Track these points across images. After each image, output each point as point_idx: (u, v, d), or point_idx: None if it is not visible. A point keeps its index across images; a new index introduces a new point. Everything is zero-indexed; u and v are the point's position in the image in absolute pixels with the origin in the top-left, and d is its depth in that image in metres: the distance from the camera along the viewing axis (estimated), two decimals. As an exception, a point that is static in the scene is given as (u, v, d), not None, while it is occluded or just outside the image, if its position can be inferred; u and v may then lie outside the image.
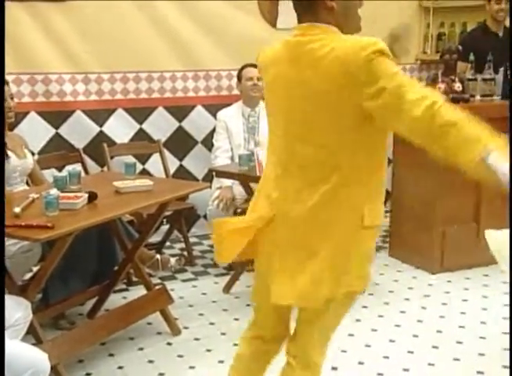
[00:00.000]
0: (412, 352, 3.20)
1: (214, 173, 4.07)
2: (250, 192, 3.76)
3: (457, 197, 4.13)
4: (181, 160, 4.79)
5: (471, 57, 4.30)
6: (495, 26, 4.82)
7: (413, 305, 3.74)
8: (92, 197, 2.94)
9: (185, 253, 4.43)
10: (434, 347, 3.25)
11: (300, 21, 1.94)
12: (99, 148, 4.37)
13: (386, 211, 5.15)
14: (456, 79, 4.14)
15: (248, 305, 3.73)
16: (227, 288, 3.91)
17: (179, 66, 4.66)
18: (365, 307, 3.70)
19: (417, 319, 3.55)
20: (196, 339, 3.35)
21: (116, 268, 3.48)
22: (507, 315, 3.57)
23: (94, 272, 3.45)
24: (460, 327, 3.46)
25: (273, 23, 4.84)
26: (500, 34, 4.83)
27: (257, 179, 3.72)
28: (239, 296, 3.86)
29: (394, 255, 4.46)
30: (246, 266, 3.90)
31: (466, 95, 4.15)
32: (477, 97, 4.23)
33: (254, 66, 4.29)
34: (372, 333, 3.41)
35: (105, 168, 4.41)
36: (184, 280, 4.12)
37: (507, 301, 3.76)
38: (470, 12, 5.31)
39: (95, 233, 3.28)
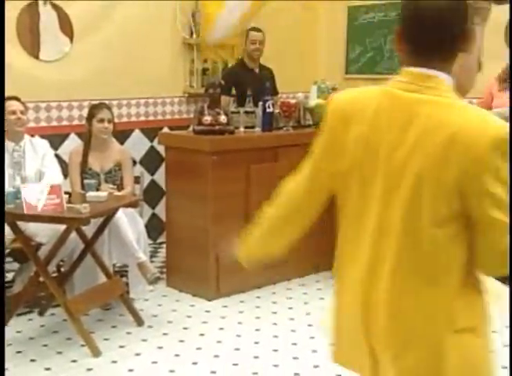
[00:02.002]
0: (192, 380, 3.26)
1: (-25, 213, 3.78)
2: (17, 231, 3.56)
3: (229, 224, 4.31)
4: None
5: (233, 91, 4.56)
6: (251, 63, 5.19)
7: (192, 333, 3.81)
8: None
9: None
10: (212, 372, 3.33)
11: (415, 63, 1.54)
12: None
13: (161, 243, 5.23)
14: (221, 112, 4.36)
15: None
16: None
17: None
18: (144, 340, 3.68)
19: (196, 346, 3.62)
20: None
21: None
22: (278, 334, 3.80)
23: None
24: (236, 349, 3.60)
25: (35, 55, 4.69)
26: (256, 70, 5.21)
27: (24, 217, 3.56)
28: None
29: (172, 285, 4.51)
30: None
31: (231, 127, 4.38)
32: (241, 129, 4.49)
33: (17, 98, 4.10)
34: (152, 365, 3.40)
35: None
36: None
37: (277, 321, 4.00)
38: (230, 49, 5.65)
39: None
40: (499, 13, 2.59)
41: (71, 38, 4.84)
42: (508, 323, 3.85)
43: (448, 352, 1.52)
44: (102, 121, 4.21)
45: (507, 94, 4.53)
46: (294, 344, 3.66)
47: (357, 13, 6.09)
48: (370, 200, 1.57)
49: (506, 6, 3.46)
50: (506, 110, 4.37)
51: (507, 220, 1.46)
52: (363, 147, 1.57)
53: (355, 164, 1.59)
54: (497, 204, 1.45)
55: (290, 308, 4.22)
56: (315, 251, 4.73)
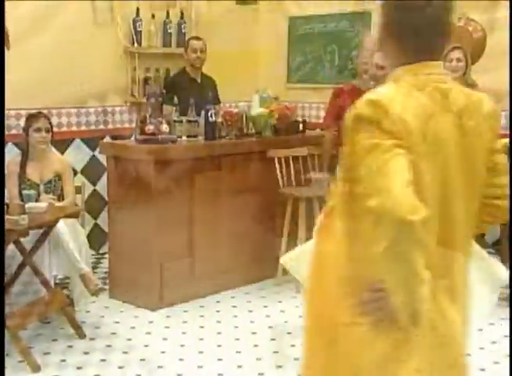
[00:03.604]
0: (135, 392, 3.22)
1: None
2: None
3: (172, 234, 4.29)
4: None
5: (175, 100, 4.54)
6: (193, 72, 5.17)
7: (136, 344, 3.76)
8: None
9: None
10: (156, 383, 3.31)
11: (433, 57, 1.71)
12: None
13: (104, 253, 5.16)
14: (164, 121, 4.34)
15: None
16: None
17: None
18: (86, 353, 3.62)
19: (140, 358, 3.57)
20: None
21: None
22: (221, 342, 3.79)
23: None
24: (180, 359, 3.57)
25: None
26: (198, 80, 5.19)
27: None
28: None
29: (115, 297, 4.44)
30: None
31: (173, 136, 4.37)
32: (184, 138, 4.47)
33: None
34: (95, 379, 3.35)
35: None
36: None
37: (221, 330, 3.99)
38: (172, 58, 5.63)
39: None
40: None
41: (7, 45, 4.72)
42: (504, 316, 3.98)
43: None
44: (39, 130, 4.13)
45: None
46: (238, 352, 3.66)
47: (297, 24, 6.17)
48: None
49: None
50: None
51: None
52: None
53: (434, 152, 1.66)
54: None
55: (235, 316, 4.22)
56: (259, 259, 4.75)
